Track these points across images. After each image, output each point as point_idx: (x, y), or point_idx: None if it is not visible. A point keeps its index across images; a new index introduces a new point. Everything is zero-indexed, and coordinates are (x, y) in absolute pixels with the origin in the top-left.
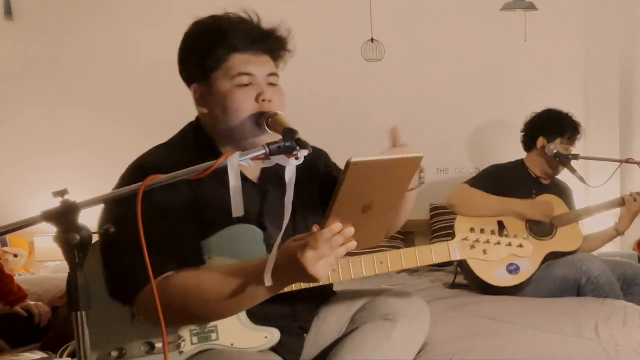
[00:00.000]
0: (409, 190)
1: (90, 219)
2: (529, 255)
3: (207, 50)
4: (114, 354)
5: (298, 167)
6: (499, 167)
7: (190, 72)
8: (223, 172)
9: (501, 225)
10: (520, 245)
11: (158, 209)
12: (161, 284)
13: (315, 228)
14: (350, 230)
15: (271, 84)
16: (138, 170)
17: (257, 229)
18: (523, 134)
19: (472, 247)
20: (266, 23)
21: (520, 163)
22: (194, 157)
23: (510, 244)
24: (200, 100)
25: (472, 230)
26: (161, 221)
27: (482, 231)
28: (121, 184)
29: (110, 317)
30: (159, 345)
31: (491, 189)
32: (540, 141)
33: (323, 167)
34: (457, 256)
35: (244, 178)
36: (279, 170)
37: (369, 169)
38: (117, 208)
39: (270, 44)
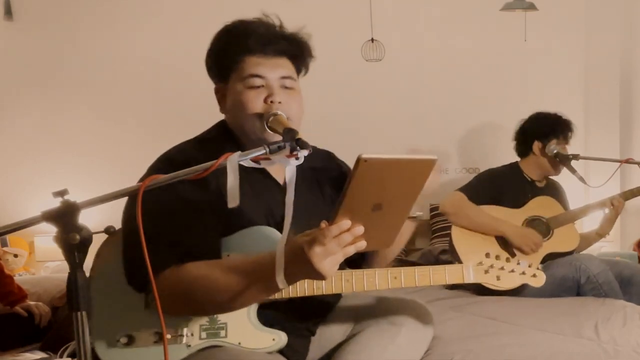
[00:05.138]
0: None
1: (91, 219)
2: (541, 285)
3: (223, 52)
4: (123, 339)
5: (316, 168)
6: (493, 172)
7: (212, 72)
8: (247, 171)
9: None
10: (534, 275)
11: (182, 201)
12: (172, 272)
13: (323, 224)
14: (360, 229)
15: (285, 87)
16: (170, 162)
17: (277, 232)
18: (516, 141)
19: (486, 272)
20: (287, 27)
21: (515, 167)
22: (224, 152)
23: (524, 273)
24: (221, 100)
25: (487, 255)
26: (184, 213)
27: (497, 257)
28: (150, 174)
29: (124, 304)
30: (167, 336)
31: (486, 196)
32: (536, 145)
33: (336, 167)
34: (470, 279)
35: (270, 177)
36: (305, 171)
37: (379, 167)
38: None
39: (286, 46)
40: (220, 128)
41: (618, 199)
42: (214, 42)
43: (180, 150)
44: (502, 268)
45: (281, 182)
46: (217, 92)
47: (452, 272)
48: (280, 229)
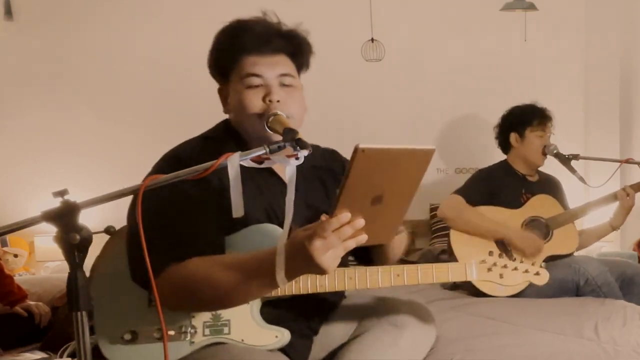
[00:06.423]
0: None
1: (91, 219)
2: (545, 283)
3: (222, 53)
4: (127, 336)
5: (320, 167)
6: (486, 171)
7: (214, 73)
8: (250, 168)
9: None
10: (537, 273)
11: (184, 199)
12: (175, 269)
13: (323, 217)
14: (360, 222)
15: (284, 85)
16: (174, 160)
17: (280, 229)
18: (496, 138)
19: (490, 269)
20: (285, 24)
21: (505, 163)
22: (228, 150)
23: (527, 271)
24: (223, 100)
25: (490, 253)
26: (186, 211)
27: (500, 255)
28: (156, 172)
29: (128, 301)
30: (171, 332)
31: (483, 196)
32: (513, 137)
33: (342, 165)
34: (473, 277)
35: (274, 175)
36: (308, 170)
37: (377, 157)
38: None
39: (283, 43)
40: (225, 126)
41: (629, 189)
42: (214, 43)
43: (186, 149)
44: (505, 266)
45: (286, 180)
46: (220, 92)
47: (455, 270)
48: (282, 226)
